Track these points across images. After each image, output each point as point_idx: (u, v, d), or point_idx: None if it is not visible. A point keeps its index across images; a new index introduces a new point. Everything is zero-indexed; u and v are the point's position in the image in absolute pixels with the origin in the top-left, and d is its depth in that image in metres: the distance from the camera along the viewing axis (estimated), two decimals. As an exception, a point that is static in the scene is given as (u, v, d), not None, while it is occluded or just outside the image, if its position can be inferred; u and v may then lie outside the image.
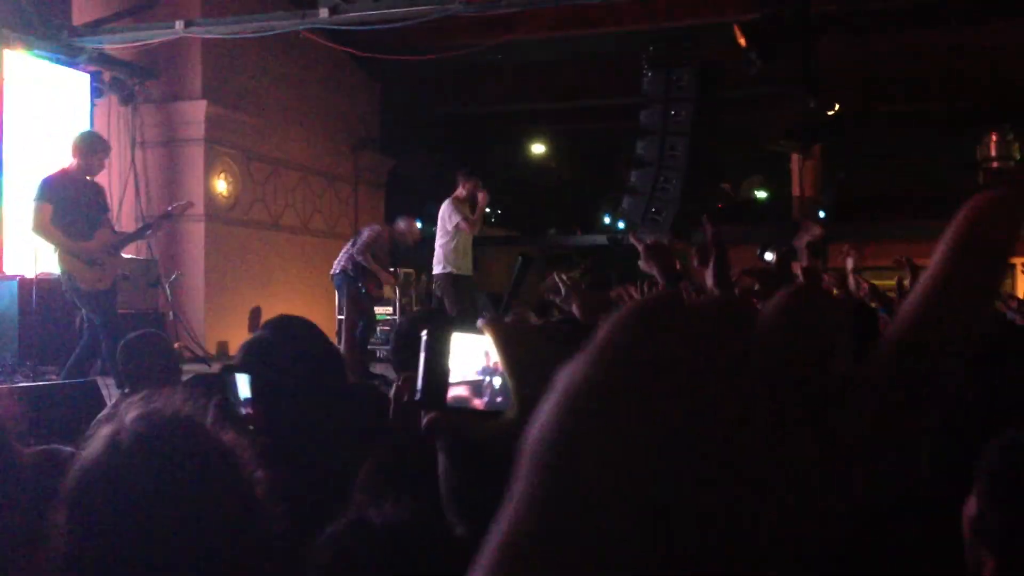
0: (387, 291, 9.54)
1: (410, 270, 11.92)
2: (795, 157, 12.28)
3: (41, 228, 6.08)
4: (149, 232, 7.63)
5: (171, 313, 9.34)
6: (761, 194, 16.97)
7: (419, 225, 9.31)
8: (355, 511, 1.00)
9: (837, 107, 11.81)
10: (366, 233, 8.77)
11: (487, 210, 9.88)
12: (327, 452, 1.99)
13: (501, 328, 0.82)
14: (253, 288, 10.24)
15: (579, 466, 0.33)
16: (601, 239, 13.95)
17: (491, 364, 0.83)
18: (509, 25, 9.92)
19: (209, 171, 10.53)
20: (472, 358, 0.84)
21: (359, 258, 8.51)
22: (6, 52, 8.49)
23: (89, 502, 1.13)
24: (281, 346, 2.54)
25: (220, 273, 10.55)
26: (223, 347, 9.75)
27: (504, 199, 16.42)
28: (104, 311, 6.31)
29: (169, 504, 1.12)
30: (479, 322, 0.84)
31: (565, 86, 13.59)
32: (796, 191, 12.82)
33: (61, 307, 7.74)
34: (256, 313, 7.33)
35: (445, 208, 8.43)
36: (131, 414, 1.19)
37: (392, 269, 9.19)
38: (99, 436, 1.18)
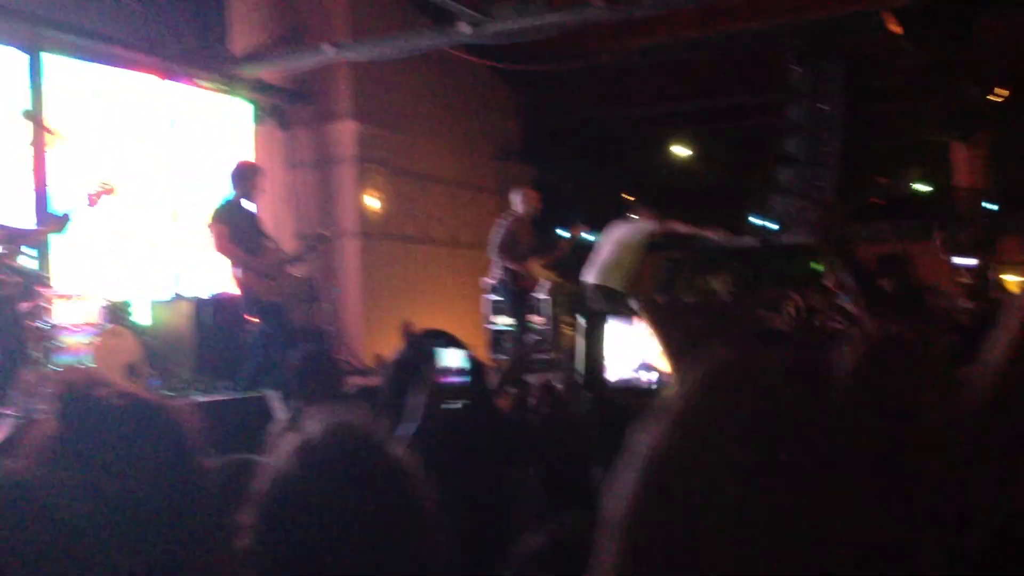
0: (542, 275, 9.07)
1: (559, 279, 11.96)
2: (957, 147, 11.65)
3: (221, 248, 6.40)
4: (312, 254, 7.90)
5: (330, 328, 9.71)
6: (921, 187, 16.17)
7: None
8: (546, 527, 1.01)
9: (1002, 91, 11.12)
10: (493, 234, 8.80)
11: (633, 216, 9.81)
12: (479, 469, 2.03)
13: (654, 307, 0.85)
14: (406, 301, 10.51)
15: (654, 540, 0.33)
16: (750, 241, 13.61)
17: (646, 361, 0.88)
18: (648, 27, 9.83)
19: (361, 189, 10.89)
20: (626, 344, 0.89)
21: (498, 259, 8.56)
22: (173, 84, 9.05)
23: (279, 506, 1.21)
24: (425, 362, 2.60)
25: (375, 288, 10.89)
26: (380, 360, 10.04)
27: (648, 203, 16.24)
28: (279, 324, 6.59)
29: (351, 511, 1.19)
30: (632, 303, 0.88)
31: (707, 85, 13.36)
32: (960, 183, 12.15)
33: (234, 324, 8.17)
34: (408, 326, 7.53)
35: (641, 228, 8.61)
36: (316, 426, 1.24)
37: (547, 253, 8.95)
38: (287, 445, 1.24)
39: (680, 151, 17.00)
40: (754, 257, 14.27)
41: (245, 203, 6.76)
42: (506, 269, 8.63)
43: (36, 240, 5.50)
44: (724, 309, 0.86)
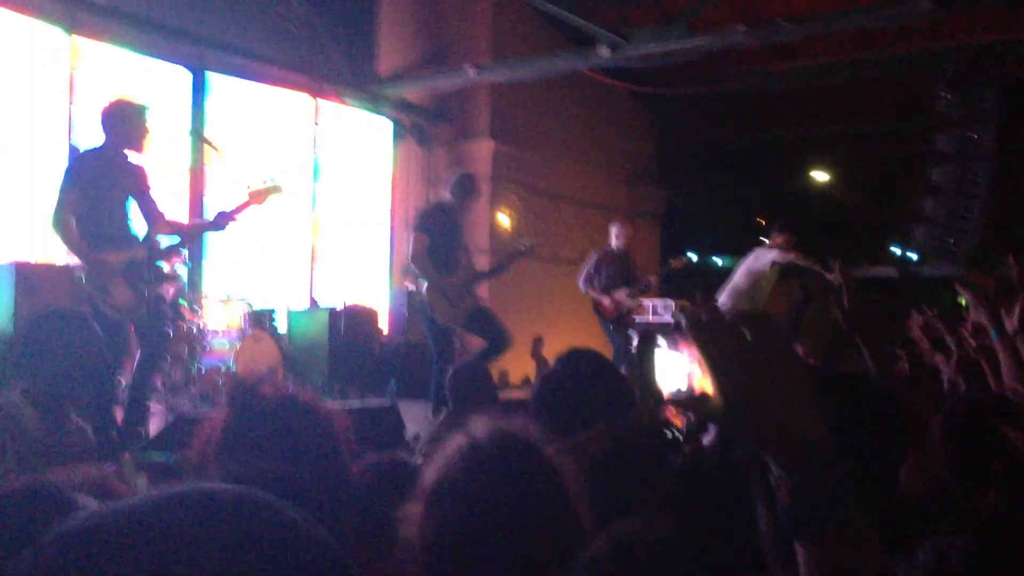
0: (626, 304, 9.18)
1: (685, 302, 11.84)
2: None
3: (415, 257, 6.39)
4: (502, 271, 7.86)
5: (458, 342, 9.87)
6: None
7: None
8: (618, 529, 1.04)
9: None
10: (582, 266, 8.92)
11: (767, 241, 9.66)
12: (621, 479, 2.05)
13: (697, 327, 0.89)
14: (533, 319, 10.59)
15: None
16: (890, 271, 13.16)
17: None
18: (790, 51, 9.66)
19: (493, 206, 11.07)
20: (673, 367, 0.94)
21: (582, 289, 8.78)
22: (320, 102, 9.45)
23: (445, 499, 1.30)
24: (574, 380, 2.65)
25: (502, 304, 11.01)
26: (503, 376, 10.15)
27: (783, 228, 15.90)
28: (443, 345, 6.60)
29: (511, 508, 1.28)
30: (679, 316, 0.93)
31: (848, 110, 13.00)
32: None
33: (365, 335, 8.44)
34: (539, 343, 7.59)
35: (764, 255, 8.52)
36: (481, 430, 1.34)
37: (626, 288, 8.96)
38: (452, 446, 1.33)
39: (819, 176, 16.58)
40: (893, 288, 13.77)
41: (450, 212, 6.54)
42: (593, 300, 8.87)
43: (197, 235, 5.53)
44: (770, 328, 0.88)
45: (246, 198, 5.06)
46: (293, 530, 0.59)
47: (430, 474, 1.33)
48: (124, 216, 4.80)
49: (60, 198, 4.62)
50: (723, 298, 8.38)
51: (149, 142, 4.89)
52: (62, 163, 6.82)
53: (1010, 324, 2.08)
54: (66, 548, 0.55)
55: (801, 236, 9.03)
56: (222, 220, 5.04)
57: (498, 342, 6.56)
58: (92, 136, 4.98)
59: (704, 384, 0.90)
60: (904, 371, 2.65)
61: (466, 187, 6.61)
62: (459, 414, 3.70)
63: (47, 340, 2.88)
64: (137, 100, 4.97)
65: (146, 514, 0.57)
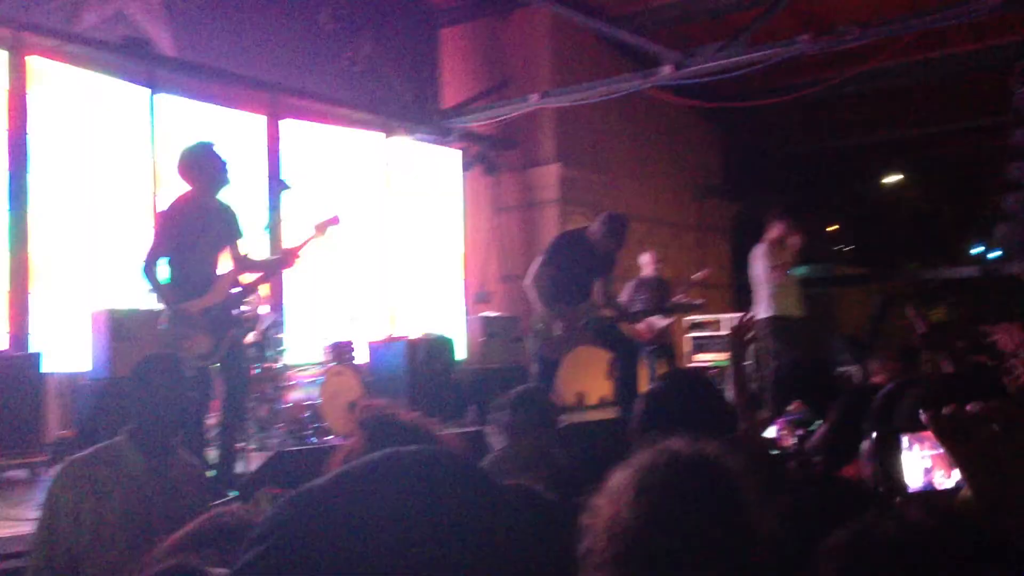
0: (658, 328, 9.24)
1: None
2: None
3: (531, 282, 6.43)
4: (646, 314, 7.87)
5: (532, 367, 9.93)
6: None
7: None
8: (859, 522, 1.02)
9: None
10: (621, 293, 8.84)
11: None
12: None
13: (942, 425, 0.89)
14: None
15: None
16: (971, 271, 12.83)
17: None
18: (857, 56, 9.53)
19: (563, 229, 11.12)
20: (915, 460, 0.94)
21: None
22: (391, 139, 9.66)
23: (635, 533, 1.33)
24: (677, 400, 2.68)
25: (577, 325, 11.05)
26: (579, 397, 10.17)
27: (858, 234, 15.64)
28: (546, 372, 6.62)
29: (696, 534, 1.30)
30: (922, 416, 0.92)
31: (919, 111, 12.75)
32: None
33: (442, 363, 8.54)
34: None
35: (757, 251, 8.12)
36: (659, 457, 1.38)
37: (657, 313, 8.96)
38: (623, 476, 1.37)
39: (891, 179, 16.27)
40: (975, 288, 13.44)
41: (585, 244, 6.45)
42: None
43: (270, 274, 5.69)
44: (1017, 414, 0.88)
45: (311, 232, 5.25)
46: (484, 479, 0.72)
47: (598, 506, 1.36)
48: (213, 263, 4.97)
49: (152, 248, 4.81)
50: (760, 311, 7.96)
51: (230, 178, 5.04)
52: (148, 218, 7.17)
53: None
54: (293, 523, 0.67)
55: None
56: (289, 256, 5.24)
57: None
58: (176, 187, 5.16)
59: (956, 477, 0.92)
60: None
61: (614, 228, 6.48)
62: (518, 437, 3.73)
63: (149, 383, 3.02)
64: (204, 139, 5.08)
65: (361, 479, 0.69)
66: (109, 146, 7.27)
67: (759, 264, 8.03)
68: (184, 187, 4.99)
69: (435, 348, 8.69)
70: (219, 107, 8.08)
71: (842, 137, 13.65)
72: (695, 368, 6.84)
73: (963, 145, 13.94)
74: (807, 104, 11.87)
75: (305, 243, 5.19)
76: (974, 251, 15.16)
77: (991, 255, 13.91)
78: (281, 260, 5.44)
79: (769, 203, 13.99)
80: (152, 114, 7.50)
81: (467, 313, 10.31)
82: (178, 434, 3.13)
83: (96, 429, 5.41)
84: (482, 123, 10.20)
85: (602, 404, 10.14)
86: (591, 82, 9.56)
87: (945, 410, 0.92)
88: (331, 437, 6.98)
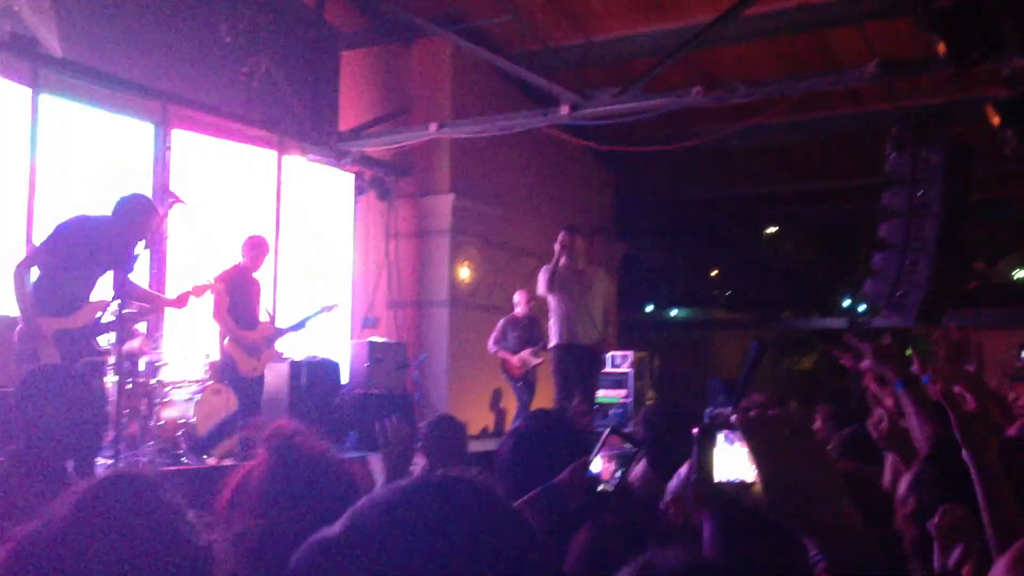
0: (530, 364, 9.77)
1: (643, 353, 12.00)
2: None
3: (216, 315, 6.75)
4: (302, 327, 7.96)
5: (417, 394, 9.91)
6: (1021, 274, 15.77)
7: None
8: (642, 557, 1.08)
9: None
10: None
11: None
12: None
13: (746, 423, 1.02)
14: (493, 371, 10.67)
15: None
16: (839, 322, 13.45)
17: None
18: (746, 111, 9.96)
19: (453, 259, 11.18)
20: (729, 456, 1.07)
21: (493, 352, 9.74)
22: (284, 158, 9.54)
23: None
24: (539, 439, 2.74)
25: (462, 356, 11.09)
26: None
27: (737, 282, 16.19)
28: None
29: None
30: (732, 418, 1.05)
31: (801, 168, 13.37)
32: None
33: (326, 387, 8.43)
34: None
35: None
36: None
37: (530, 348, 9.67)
38: None
39: (771, 231, 16.96)
40: (842, 339, 14.07)
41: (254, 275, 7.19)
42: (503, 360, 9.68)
43: (163, 308, 6.00)
44: (804, 425, 1.04)
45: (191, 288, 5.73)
46: (500, 503, 0.73)
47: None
48: (89, 287, 4.87)
49: (33, 252, 4.67)
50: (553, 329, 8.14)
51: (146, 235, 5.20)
52: (22, 218, 6.87)
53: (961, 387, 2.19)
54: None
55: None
56: (180, 300, 5.44)
57: None
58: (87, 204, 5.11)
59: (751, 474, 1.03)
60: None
61: (257, 247, 7.20)
62: (434, 464, 3.78)
63: (37, 398, 2.79)
64: (153, 204, 5.34)
65: (381, 525, 0.69)
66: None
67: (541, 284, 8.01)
68: (97, 210, 4.98)
69: (319, 371, 8.57)
70: (107, 112, 7.83)
71: (727, 187, 14.17)
72: (557, 408, 7.22)
73: (839, 202, 14.68)
74: (695, 153, 12.29)
75: (191, 294, 5.41)
76: (845, 304, 15.88)
77: (860, 308, 14.63)
78: (176, 302, 5.57)
79: (655, 246, 14.42)
80: (35, 115, 7.22)
81: (353, 337, 10.21)
82: (71, 456, 2.87)
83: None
84: (378, 148, 10.19)
85: (484, 435, 10.20)
86: (489, 115, 9.69)
87: (751, 412, 1.04)
88: (206, 457, 6.78)
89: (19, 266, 4.67)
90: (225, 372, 6.78)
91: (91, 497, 1.19)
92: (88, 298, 4.85)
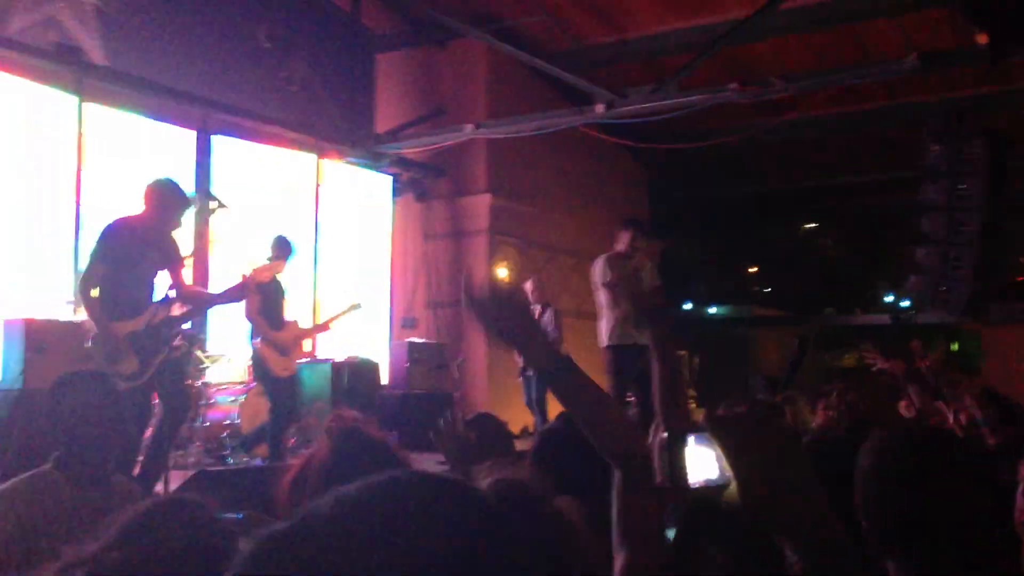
0: None
1: (682, 351, 11.95)
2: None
3: (248, 315, 6.76)
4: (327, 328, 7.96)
5: (456, 393, 9.96)
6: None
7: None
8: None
9: None
10: None
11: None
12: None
13: (715, 422, 1.02)
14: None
15: None
16: (883, 319, 13.30)
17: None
18: (782, 107, 9.91)
19: (491, 259, 11.22)
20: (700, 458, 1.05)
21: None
22: (321, 160, 9.64)
23: None
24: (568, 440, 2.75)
25: (500, 355, 11.11)
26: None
27: (775, 279, 16.07)
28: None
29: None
30: (705, 419, 1.05)
31: (840, 162, 13.24)
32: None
33: (366, 386, 8.51)
34: None
35: (596, 263, 7.53)
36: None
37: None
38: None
39: (810, 227, 16.80)
40: (885, 336, 13.90)
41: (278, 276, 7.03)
42: None
43: (211, 307, 5.97)
44: (773, 417, 1.03)
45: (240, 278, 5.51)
46: (476, 502, 0.70)
47: None
48: (149, 288, 4.99)
49: (89, 267, 4.83)
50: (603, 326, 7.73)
51: (184, 222, 5.21)
52: (70, 225, 7.02)
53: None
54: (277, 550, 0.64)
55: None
56: (240, 290, 5.41)
57: None
58: (130, 206, 5.20)
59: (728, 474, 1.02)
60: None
61: (283, 248, 6.91)
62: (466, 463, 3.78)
63: (75, 402, 2.74)
64: (183, 187, 5.26)
65: (361, 503, 0.68)
66: (33, 152, 7.11)
67: (596, 276, 7.49)
68: (134, 208, 5.05)
69: (360, 371, 8.66)
70: (149, 119, 7.97)
71: (765, 183, 14.07)
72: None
73: (879, 197, 14.51)
74: (733, 150, 12.24)
75: (244, 287, 5.38)
76: (886, 299, 15.70)
77: (902, 304, 14.43)
78: (227, 294, 5.52)
79: (692, 242, 14.35)
80: (80, 122, 7.37)
81: (392, 338, 10.29)
82: (112, 458, 2.83)
83: (3, 440, 5.26)
84: (415, 150, 10.25)
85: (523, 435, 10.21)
86: (525, 115, 9.71)
87: (720, 411, 1.04)
88: (249, 458, 6.89)
89: (81, 283, 4.88)
90: (257, 372, 6.85)
91: (141, 523, 1.21)
92: (150, 298, 5.00)
